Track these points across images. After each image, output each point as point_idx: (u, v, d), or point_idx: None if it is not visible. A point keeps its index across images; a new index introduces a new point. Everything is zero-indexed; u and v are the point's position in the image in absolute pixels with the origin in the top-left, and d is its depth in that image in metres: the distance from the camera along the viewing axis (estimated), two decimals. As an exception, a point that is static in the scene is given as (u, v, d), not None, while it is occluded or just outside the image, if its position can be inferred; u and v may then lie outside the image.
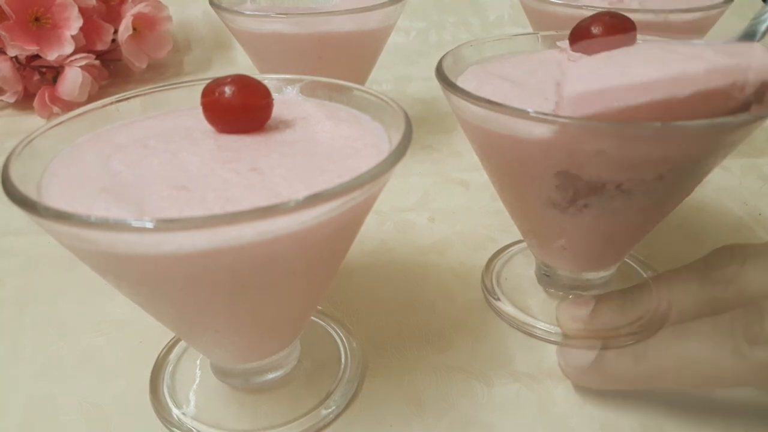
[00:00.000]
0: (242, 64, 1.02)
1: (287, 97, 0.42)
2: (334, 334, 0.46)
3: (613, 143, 0.33)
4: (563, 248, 0.43)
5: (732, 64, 0.32)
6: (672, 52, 0.34)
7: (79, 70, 0.85)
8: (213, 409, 0.40)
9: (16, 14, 0.82)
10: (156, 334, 0.45)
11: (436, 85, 0.40)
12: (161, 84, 0.41)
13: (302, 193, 0.27)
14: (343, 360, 0.44)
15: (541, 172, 0.38)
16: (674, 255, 0.54)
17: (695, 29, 0.63)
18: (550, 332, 0.45)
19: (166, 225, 0.25)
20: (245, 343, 0.38)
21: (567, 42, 0.46)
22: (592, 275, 0.47)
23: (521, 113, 0.34)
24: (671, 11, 0.59)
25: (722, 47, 0.34)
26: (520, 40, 0.50)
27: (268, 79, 0.41)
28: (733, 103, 0.32)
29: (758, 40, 0.37)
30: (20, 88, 0.89)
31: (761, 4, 0.85)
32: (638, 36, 0.46)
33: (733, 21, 0.63)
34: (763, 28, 0.38)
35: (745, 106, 0.33)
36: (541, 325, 0.46)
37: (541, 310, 0.47)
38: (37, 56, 0.87)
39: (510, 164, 0.40)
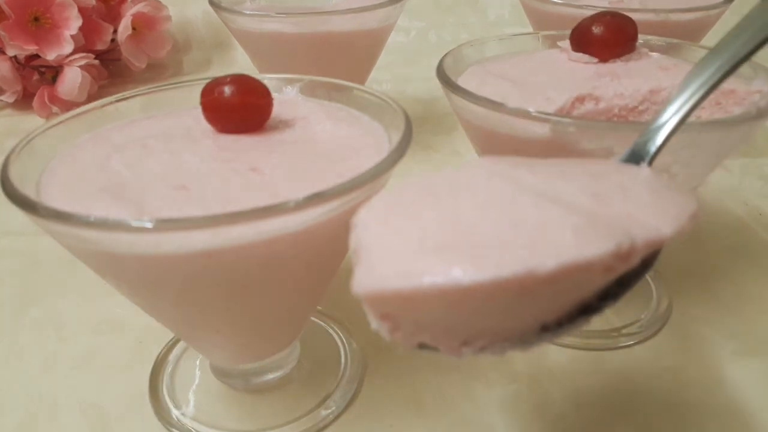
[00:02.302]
0: (242, 63, 1.02)
1: (287, 97, 0.42)
2: (334, 335, 0.46)
3: (616, 142, 0.33)
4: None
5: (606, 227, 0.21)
6: (522, 203, 0.22)
7: (79, 69, 0.84)
8: (212, 410, 0.40)
9: (16, 14, 0.82)
10: (155, 334, 0.45)
11: (436, 85, 0.40)
12: (161, 84, 0.41)
13: (302, 193, 0.27)
14: (342, 360, 0.43)
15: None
16: (675, 255, 0.54)
17: (695, 29, 0.63)
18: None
19: (165, 225, 0.25)
20: (245, 344, 0.38)
21: (568, 42, 0.46)
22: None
23: (523, 113, 0.34)
24: (671, 11, 0.59)
25: (597, 185, 0.24)
26: (520, 40, 0.50)
27: (268, 79, 0.41)
28: (612, 275, 0.21)
29: (649, 163, 0.29)
30: (19, 87, 0.89)
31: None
32: (639, 36, 0.46)
33: (733, 21, 0.63)
34: (653, 148, 0.29)
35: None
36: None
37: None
38: (36, 56, 0.87)
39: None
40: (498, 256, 0.20)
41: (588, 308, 0.23)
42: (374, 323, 0.22)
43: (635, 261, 0.21)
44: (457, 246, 0.21)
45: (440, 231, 0.21)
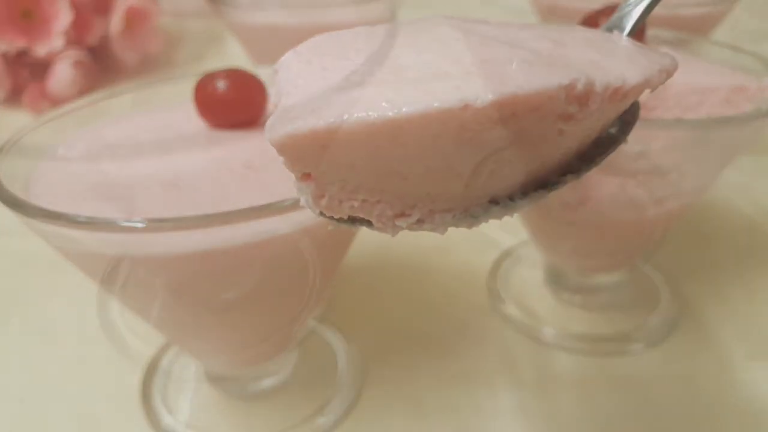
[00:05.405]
0: (236, 57, 1.01)
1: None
2: (333, 339, 0.45)
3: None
4: (572, 250, 0.42)
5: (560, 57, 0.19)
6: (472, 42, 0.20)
7: (69, 65, 0.84)
8: (206, 417, 0.39)
9: (6, 8, 0.81)
10: (148, 338, 0.44)
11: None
12: (152, 79, 0.40)
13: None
14: (341, 366, 0.42)
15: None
16: (685, 256, 0.52)
17: (704, 23, 0.62)
18: (557, 337, 0.44)
19: (156, 225, 0.25)
20: (239, 348, 0.37)
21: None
22: (602, 278, 0.46)
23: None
24: (681, 5, 0.59)
25: (561, 35, 0.21)
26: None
27: (263, 72, 0.40)
28: (570, 125, 0.18)
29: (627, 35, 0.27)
30: (9, 84, 0.88)
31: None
32: (647, 30, 0.45)
33: (743, 16, 0.62)
34: (630, 23, 0.26)
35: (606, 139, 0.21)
36: (547, 329, 0.45)
37: (548, 315, 0.46)
38: (26, 52, 0.86)
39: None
40: (430, 87, 0.17)
41: (545, 183, 0.21)
42: (297, 188, 0.20)
43: (594, 107, 0.18)
44: (384, 81, 0.18)
45: (368, 69, 0.19)
